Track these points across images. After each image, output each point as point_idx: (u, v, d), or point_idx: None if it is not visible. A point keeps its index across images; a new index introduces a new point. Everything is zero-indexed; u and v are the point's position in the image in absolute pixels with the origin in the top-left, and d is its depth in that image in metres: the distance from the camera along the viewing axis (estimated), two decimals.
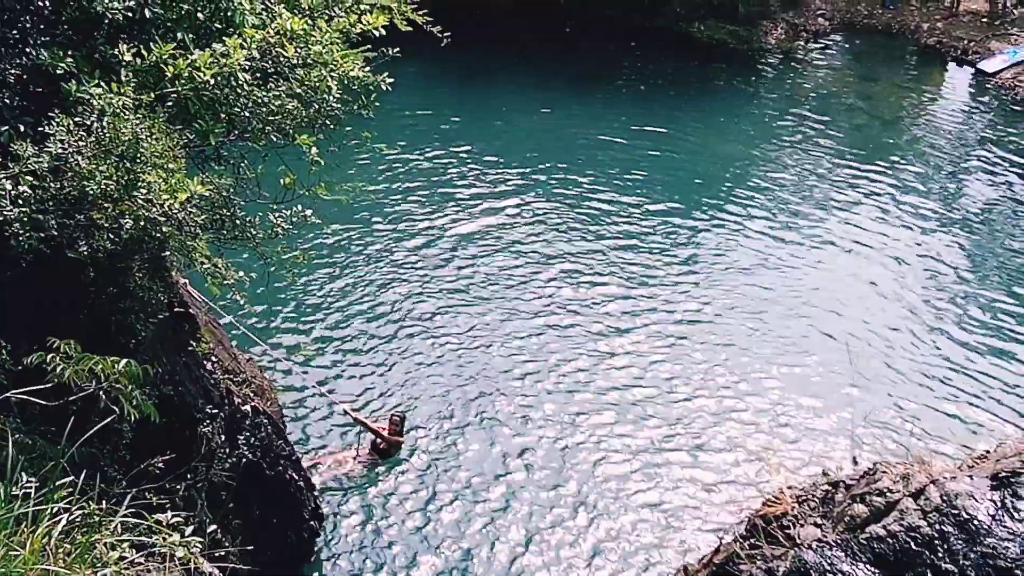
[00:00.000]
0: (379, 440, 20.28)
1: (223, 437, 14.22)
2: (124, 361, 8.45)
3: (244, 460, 14.68)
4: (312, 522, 18.00)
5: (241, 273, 12.44)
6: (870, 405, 22.62)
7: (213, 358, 15.19)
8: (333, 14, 12.23)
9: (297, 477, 17.52)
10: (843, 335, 25.35)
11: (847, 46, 50.53)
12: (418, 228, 29.54)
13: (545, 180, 33.25)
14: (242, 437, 14.78)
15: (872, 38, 50.88)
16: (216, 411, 14.16)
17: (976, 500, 10.42)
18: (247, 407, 15.87)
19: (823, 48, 49.83)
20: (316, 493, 18.46)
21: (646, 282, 27.55)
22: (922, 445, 20.68)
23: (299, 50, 11.27)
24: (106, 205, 9.56)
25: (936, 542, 10.19)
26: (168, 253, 10.77)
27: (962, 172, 36.80)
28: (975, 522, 10.20)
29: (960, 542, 10.09)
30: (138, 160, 9.48)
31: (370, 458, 20.37)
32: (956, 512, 10.35)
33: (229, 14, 11.26)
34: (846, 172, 35.72)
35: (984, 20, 50.82)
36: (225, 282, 12.13)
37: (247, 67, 10.65)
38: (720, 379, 23.67)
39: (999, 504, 10.31)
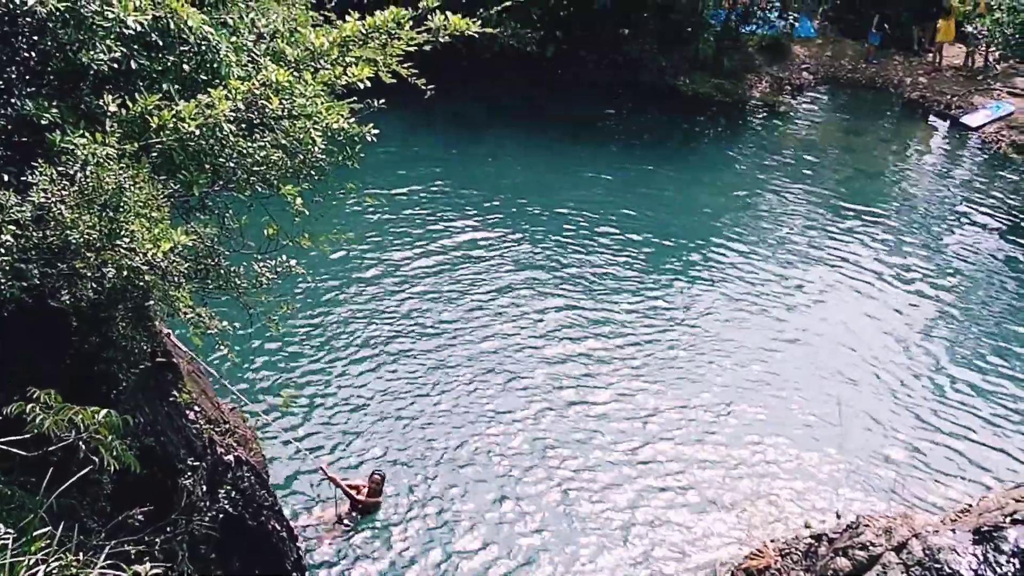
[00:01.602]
0: (356, 500, 20.22)
1: (205, 488, 14.13)
2: (104, 411, 8.41)
3: (226, 512, 14.57)
4: (295, 574, 17.86)
5: (225, 323, 12.43)
6: (854, 456, 22.64)
7: (196, 408, 15.12)
8: (318, 66, 12.31)
9: (280, 527, 17.40)
10: (830, 387, 25.39)
11: (831, 100, 50.86)
12: (403, 276, 29.56)
13: (528, 231, 33.32)
14: (224, 489, 14.69)
15: (856, 92, 51.21)
16: (198, 462, 14.07)
17: (958, 554, 10.41)
18: (230, 457, 15.77)
19: (807, 101, 50.15)
20: (299, 544, 18.34)
21: (627, 331, 27.57)
22: (905, 497, 20.73)
23: (284, 102, 11.31)
24: (89, 254, 9.57)
25: None
26: (152, 302, 10.77)
27: (945, 224, 36.94)
28: None
29: None
30: (121, 209, 9.50)
31: (349, 515, 20.28)
32: (939, 566, 10.35)
33: (215, 66, 11.31)
34: (830, 224, 35.84)
35: (966, 75, 51.22)
36: (209, 331, 12.11)
37: (232, 118, 10.69)
38: (701, 428, 23.64)
39: (981, 558, 10.29)
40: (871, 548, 10.89)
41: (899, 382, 26.14)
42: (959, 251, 34.60)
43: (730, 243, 33.87)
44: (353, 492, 20.22)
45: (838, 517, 12.85)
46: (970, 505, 11.85)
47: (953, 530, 10.76)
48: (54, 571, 6.90)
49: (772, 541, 11.92)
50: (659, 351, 26.87)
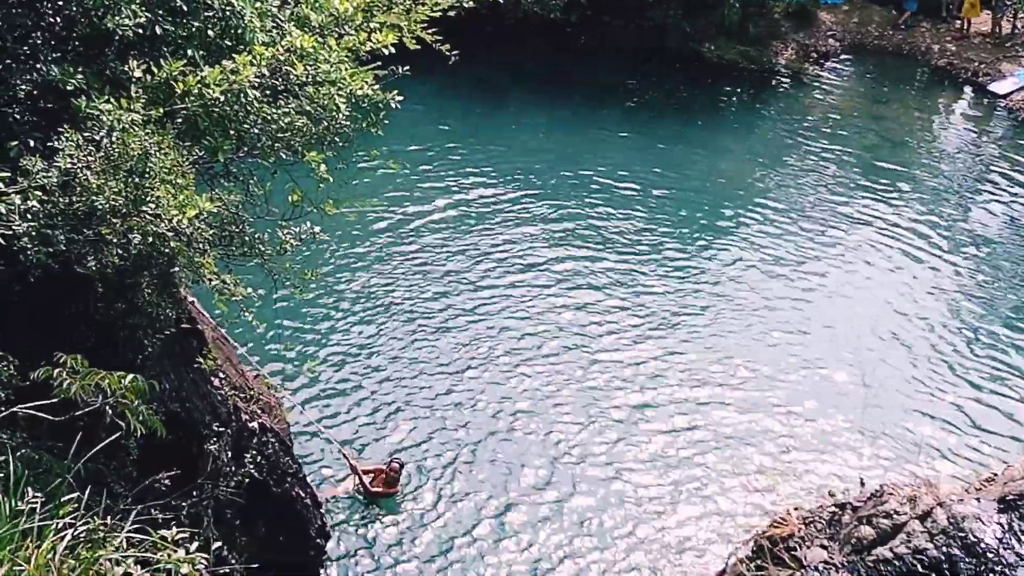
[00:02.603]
0: (372, 486, 20.17)
1: (230, 454, 14.20)
2: (130, 376, 8.44)
3: (251, 477, 14.64)
4: (318, 540, 17.95)
5: (249, 289, 12.45)
6: (879, 426, 22.57)
7: (220, 374, 15.18)
8: (342, 32, 12.27)
9: (304, 494, 17.48)
10: (854, 355, 25.32)
11: (857, 67, 50.38)
12: (425, 244, 29.53)
13: (554, 196, 33.22)
14: (248, 455, 14.74)
15: (882, 59, 50.73)
16: (223, 428, 14.14)
17: (983, 523, 10.38)
18: (254, 424, 15.84)
19: (833, 69, 49.73)
20: (322, 511, 18.43)
21: (655, 302, 27.49)
22: (930, 467, 20.65)
23: (308, 68, 11.30)
24: (115, 220, 9.58)
25: (943, 565, 10.15)
26: (177, 269, 10.79)
27: (973, 193, 36.67)
28: (982, 545, 10.15)
29: (967, 565, 10.04)
30: (147, 175, 9.51)
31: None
32: (963, 535, 10.31)
33: (239, 31, 11.30)
34: (855, 192, 35.61)
35: (994, 42, 50.69)
36: (233, 298, 12.13)
37: (256, 84, 10.69)
38: (728, 398, 23.62)
39: (1006, 527, 10.26)
40: (895, 516, 10.86)
41: (924, 350, 26.04)
42: (985, 218, 34.35)
43: (754, 210, 33.70)
44: (368, 479, 20.17)
45: (862, 485, 12.81)
46: (995, 474, 11.79)
47: (978, 499, 10.72)
48: (82, 535, 6.94)
49: (796, 509, 11.90)
50: (684, 318, 26.81)
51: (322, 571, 18.22)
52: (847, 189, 35.91)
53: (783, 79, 47.38)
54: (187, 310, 14.19)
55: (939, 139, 42.96)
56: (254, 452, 14.94)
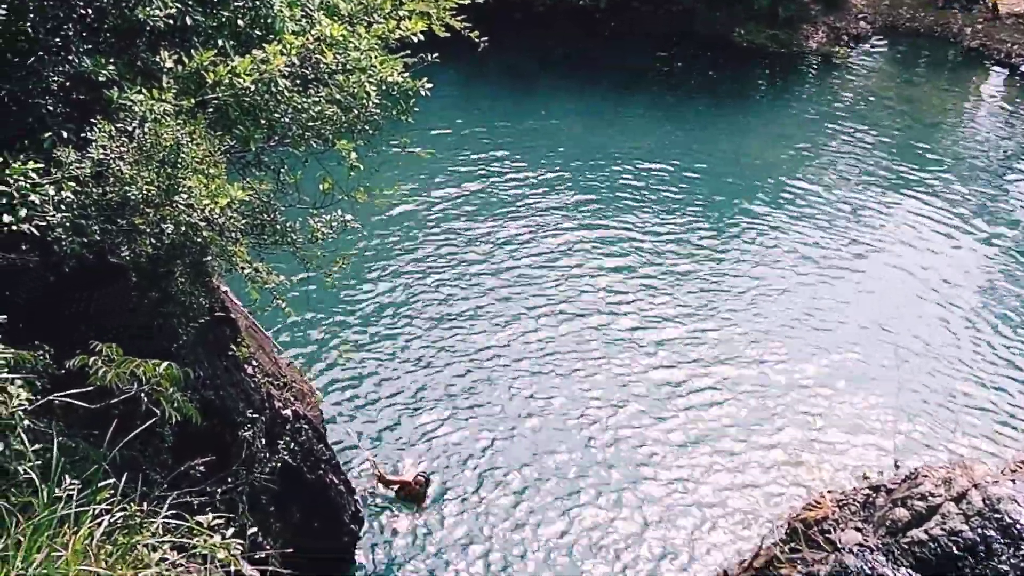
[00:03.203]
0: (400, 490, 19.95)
1: (264, 441, 14.29)
2: (165, 364, 8.52)
3: (284, 463, 14.74)
4: (352, 526, 18.05)
5: (282, 277, 12.53)
6: (913, 407, 22.50)
7: (254, 362, 15.28)
8: (372, 20, 12.32)
9: (337, 481, 17.59)
10: (888, 337, 25.22)
11: (889, 49, 50.09)
12: (456, 231, 29.58)
13: (583, 182, 33.23)
14: (282, 441, 14.84)
15: (914, 41, 50.43)
16: (257, 415, 14.23)
17: (1019, 504, 10.36)
18: (288, 411, 15.95)
19: (864, 51, 49.47)
20: (356, 497, 18.52)
21: (685, 284, 27.45)
22: (965, 449, 20.56)
23: (338, 56, 11.36)
24: (148, 210, 9.67)
25: (979, 547, 10.13)
26: (209, 258, 10.86)
27: (1005, 174, 36.45)
28: (1018, 526, 10.13)
29: (1003, 546, 10.03)
30: (179, 165, 9.59)
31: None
32: (999, 516, 10.29)
33: (269, 21, 11.35)
34: (886, 175, 35.45)
35: None
36: (265, 286, 12.22)
37: (287, 73, 10.76)
38: (760, 380, 23.56)
39: None
40: (930, 499, 10.85)
41: (959, 332, 25.92)
42: (1018, 201, 34.15)
43: (785, 192, 33.60)
44: (393, 491, 19.97)
45: (896, 467, 12.79)
46: None
47: (1013, 480, 10.70)
48: (118, 521, 7.01)
49: (829, 492, 11.90)
50: (716, 299, 26.78)
51: (356, 556, 18.29)
52: (878, 172, 35.74)
53: (813, 62, 47.19)
54: (220, 299, 14.28)
55: (971, 121, 42.70)
56: (287, 439, 15.04)
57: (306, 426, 16.44)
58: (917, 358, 24.57)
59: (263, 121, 11.10)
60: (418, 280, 27.00)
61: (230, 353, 13.86)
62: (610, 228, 30.46)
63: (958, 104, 44.60)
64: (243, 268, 11.67)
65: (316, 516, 16.69)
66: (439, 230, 29.65)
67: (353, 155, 12.15)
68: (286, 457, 14.77)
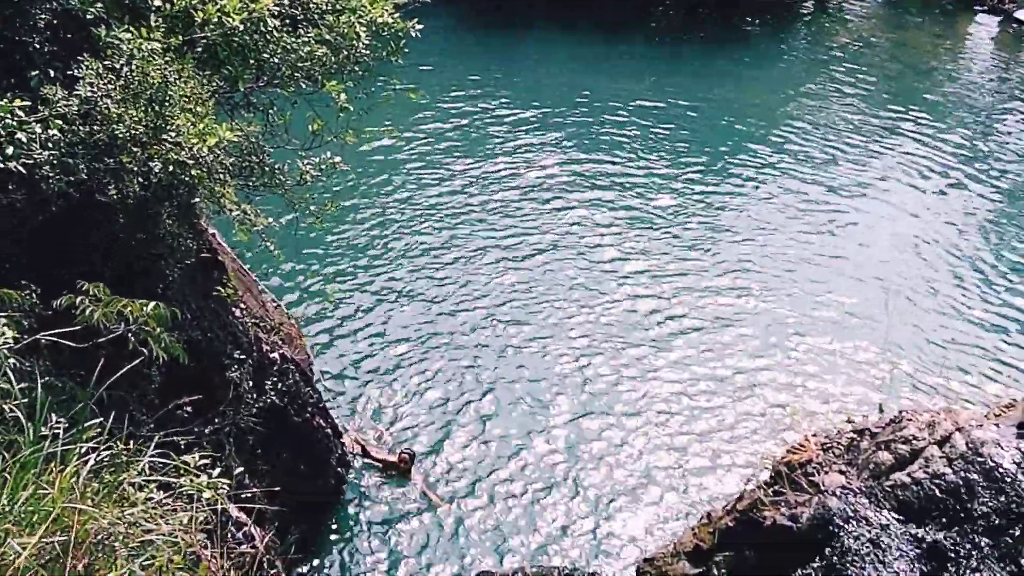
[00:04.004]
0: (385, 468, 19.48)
1: (251, 383, 14.30)
2: (152, 303, 8.48)
3: (271, 405, 14.75)
4: (339, 469, 18.12)
5: (270, 220, 12.47)
6: (898, 352, 22.60)
7: (241, 305, 15.26)
8: None
9: (324, 424, 17.63)
10: (875, 283, 25.29)
11: None
12: (444, 171, 29.56)
13: (575, 127, 33.18)
14: (269, 382, 14.86)
15: None
16: (244, 357, 14.23)
17: (1002, 448, 10.42)
18: (275, 354, 15.95)
19: None
20: (343, 440, 18.56)
21: (676, 233, 27.45)
22: (950, 393, 20.68)
23: None
24: (135, 149, 9.60)
25: (961, 489, 10.20)
26: (197, 200, 10.81)
27: (997, 120, 36.48)
28: (1000, 470, 10.19)
29: (985, 489, 10.09)
30: (167, 103, 9.51)
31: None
32: (982, 460, 10.35)
33: None
34: (879, 121, 35.44)
35: None
36: (254, 228, 12.16)
37: (276, 13, 10.67)
38: (747, 326, 23.63)
39: None
40: (914, 442, 10.90)
41: (947, 278, 26.01)
42: (1010, 145, 34.17)
43: (777, 138, 33.58)
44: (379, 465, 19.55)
45: (881, 411, 12.83)
46: (1014, 400, 11.79)
47: (997, 424, 10.75)
48: (105, 460, 7.01)
49: (814, 435, 11.94)
50: (706, 247, 26.80)
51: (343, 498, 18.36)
52: (871, 116, 35.74)
53: (806, 7, 47.00)
54: (207, 241, 14.24)
55: (963, 66, 42.65)
56: (274, 380, 15.05)
57: (293, 368, 16.45)
58: (905, 302, 24.64)
59: (252, 61, 11.02)
60: (406, 220, 26.99)
61: (217, 294, 13.82)
62: (599, 172, 30.41)
63: (951, 50, 44.53)
64: (231, 210, 11.59)
65: (303, 459, 16.74)
66: (428, 170, 29.62)
67: (343, 96, 12.07)
68: (273, 398, 14.79)
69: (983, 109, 37.65)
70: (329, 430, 17.80)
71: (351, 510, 18.28)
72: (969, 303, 24.97)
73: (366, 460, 19.38)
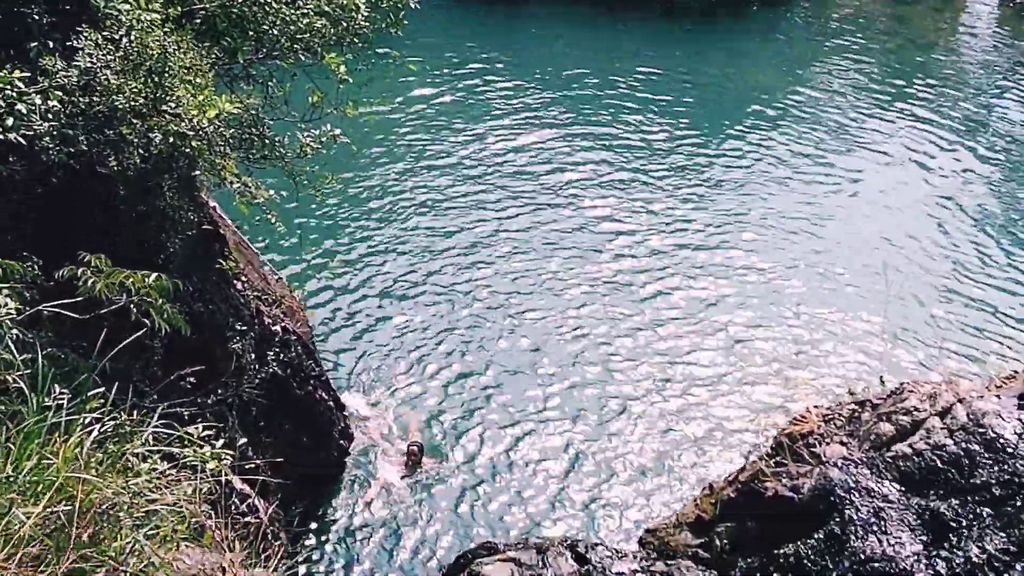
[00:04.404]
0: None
1: (253, 355, 14.32)
2: (154, 275, 8.46)
3: (274, 377, 14.76)
4: (342, 442, 18.14)
5: (271, 192, 12.46)
6: (899, 324, 22.58)
7: (243, 278, 15.27)
8: None
9: (327, 397, 17.65)
10: (876, 254, 25.26)
11: None
12: (444, 147, 29.53)
13: (572, 100, 33.14)
14: (271, 354, 14.87)
15: None
16: (246, 329, 14.24)
17: (1003, 419, 10.40)
18: (277, 327, 15.96)
19: None
20: (345, 413, 18.56)
21: (675, 205, 27.43)
22: (952, 364, 20.68)
23: None
24: (135, 121, 9.59)
25: (962, 460, 10.20)
26: (198, 172, 10.79)
27: (999, 96, 36.40)
28: (1002, 440, 10.18)
29: (986, 460, 10.09)
30: (166, 74, 9.49)
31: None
32: (983, 431, 10.34)
33: None
34: (879, 95, 35.38)
35: None
36: (255, 201, 12.14)
37: None
38: (748, 297, 23.61)
39: None
40: (915, 413, 10.89)
41: (948, 251, 25.97)
42: (1011, 120, 34.10)
43: (777, 112, 33.53)
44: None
45: (882, 383, 12.83)
46: (1016, 371, 11.78)
47: (998, 396, 10.74)
48: (108, 430, 7.01)
49: (816, 407, 11.93)
50: (705, 220, 26.75)
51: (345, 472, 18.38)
52: (871, 90, 35.69)
53: None
54: (208, 214, 14.23)
55: (964, 41, 42.56)
56: (277, 352, 15.06)
57: (295, 341, 16.46)
58: (906, 273, 24.60)
59: (251, 33, 11.01)
60: (406, 190, 27.01)
61: (218, 267, 13.81)
62: (596, 146, 30.41)
63: (951, 24, 44.43)
64: (232, 182, 11.58)
65: (305, 431, 16.76)
66: (427, 141, 29.67)
67: (342, 68, 12.04)
68: (276, 370, 14.80)
69: (983, 83, 37.58)
70: (331, 403, 17.82)
71: (354, 483, 18.28)
72: (971, 274, 24.95)
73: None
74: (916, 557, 9.51)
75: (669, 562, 10.95)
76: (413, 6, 12.36)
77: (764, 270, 24.69)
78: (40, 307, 8.16)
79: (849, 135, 32.29)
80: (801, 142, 31.46)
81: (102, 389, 7.39)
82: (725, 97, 34.58)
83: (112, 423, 7.15)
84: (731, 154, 30.52)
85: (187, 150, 9.87)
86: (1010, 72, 38.86)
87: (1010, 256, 25.82)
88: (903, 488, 10.32)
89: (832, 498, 10.39)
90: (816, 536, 10.19)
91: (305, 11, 11.43)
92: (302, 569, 16.04)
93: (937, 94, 35.72)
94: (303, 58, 12.08)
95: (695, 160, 29.90)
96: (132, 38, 9.44)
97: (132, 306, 8.36)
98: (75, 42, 9.52)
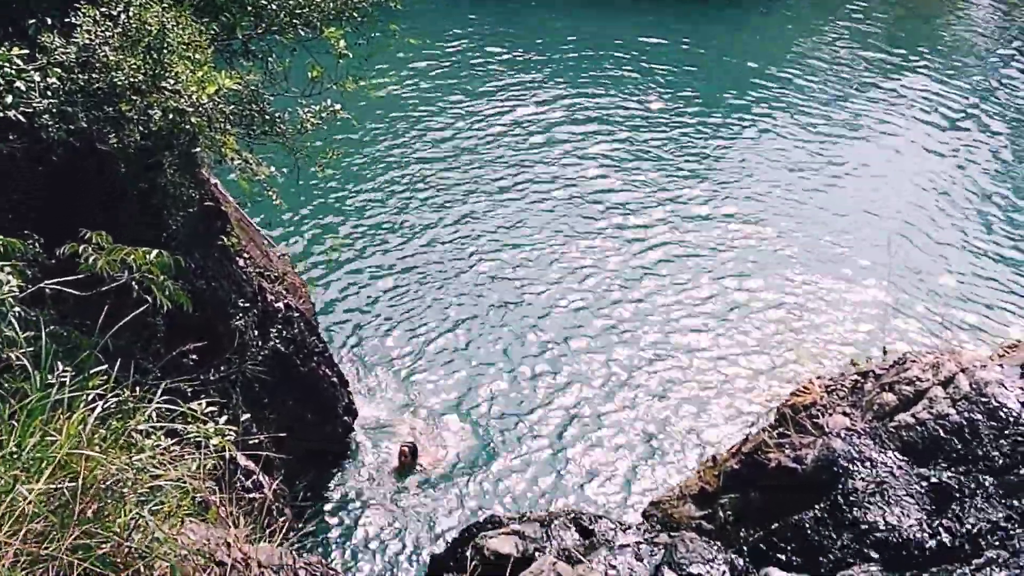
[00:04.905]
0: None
1: (255, 332, 14.32)
2: (156, 251, 8.44)
3: (276, 354, 14.76)
4: (346, 418, 18.15)
5: (272, 169, 12.44)
6: (902, 295, 22.55)
7: (245, 254, 15.26)
8: None
9: (330, 373, 17.65)
10: (878, 223, 25.22)
11: None
12: (445, 119, 29.48)
13: (573, 70, 33.11)
14: (274, 331, 14.87)
15: None
16: (248, 306, 14.24)
17: (1006, 388, 10.39)
18: (280, 304, 15.96)
19: None
20: (349, 390, 18.56)
21: (677, 175, 27.37)
22: (953, 336, 20.66)
23: None
24: (134, 97, 9.56)
25: (965, 430, 10.19)
26: (198, 149, 10.77)
27: (1003, 67, 36.24)
28: (1004, 410, 10.17)
29: (989, 429, 10.09)
30: (165, 50, 9.46)
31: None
32: (985, 400, 10.33)
33: None
34: (884, 66, 35.25)
35: None
36: (256, 178, 12.13)
37: None
38: (751, 270, 23.58)
39: None
40: (917, 383, 10.88)
41: (950, 222, 25.91)
42: (1012, 91, 33.99)
43: (781, 81, 33.45)
44: None
45: (884, 353, 12.82)
46: (1019, 341, 11.76)
47: (1001, 365, 10.73)
48: (111, 407, 7.00)
49: (818, 378, 11.93)
50: (707, 191, 26.72)
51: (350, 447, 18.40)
52: (874, 63, 35.54)
53: None
54: (209, 191, 14.21)
55: (968, 12, 42.31)
56: (279, 328, 15.06)
57: (297, 317, 16.46)
58: (908, 243, 24.55)
59: (250, 8, 10.98)
60: (407, 163, 27.03)
61: (220, 244, 13.81)
62: (597, 116, 30.35)
63: None
64: (233, 159, 11.56)
65: (309, 407, 16.77)
66: (428, 113, 29.70)
67: (342, 43, 12.00)
68: (279, 346, 14.81)
69: (986, 53, 37.44)
70: (335, 379, 17.83)
71: (359, 457, 18.30)
72: (973, 245, 24.92)
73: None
74: (919, 526, 9.52)
75: (673, 534, 10.96)
76: None
77: (766, 241, 24.65)
78: (42, 285, 8.16)
79: (851, 104, 32.20)
80: (803, 110, 31.37)
81: (105, 366, 7.39)
82: (727, 69, 34.46)
83: (115, 400, 7.14)
84: (733, 126, 30.44)
85: (187, 126, 9.84)
86: (1015, 43, 38.70)
87: (1013, 227, 25.77)
88: (906, 458, 10.32)
89: (835, 468, 10.40)
90: (819, 506, 10.19)
91: None
92: (307, 544, 16.08)
93: (941, 64, 35.58)
94: (302, 33, 12.06)
95: (697, 131, 29.83)
96: (131, 14, 9.42)
97: (134, 283, 8.35)
98: (73, 19, 9.49)
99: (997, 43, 38.67)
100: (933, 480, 10.02)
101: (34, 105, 8.66)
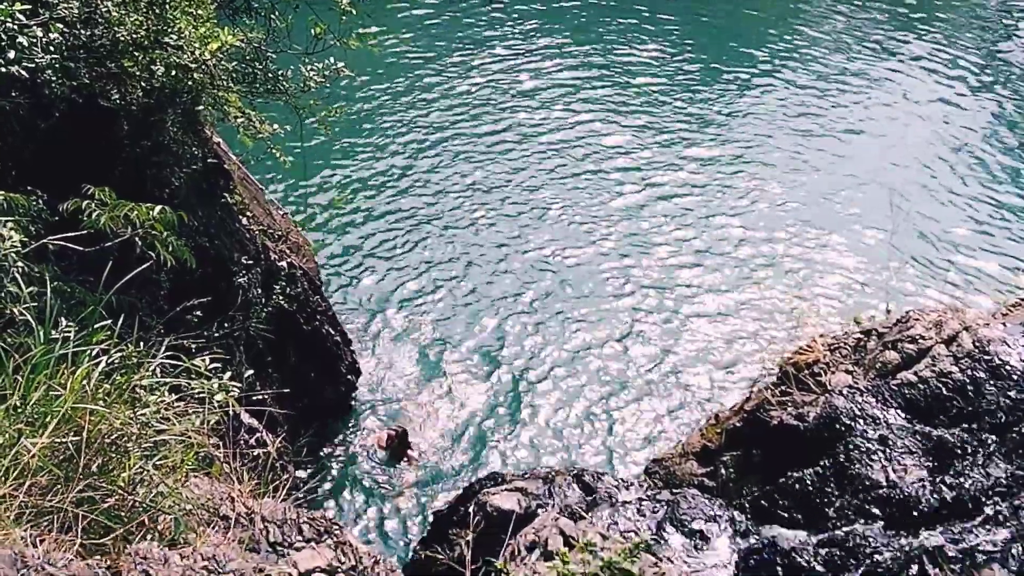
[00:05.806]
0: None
1: (259, 290, 14.33)
2: (159, 207, 8.44)
3: (280, 312, 14.77)
4: (349, 376, 18.19)
5: (275, 126, 12.42)
6: (905, 254, 22.54)
7: (248, 213, 15.23)
8: None
9: (334, 332, 17.68)
10: (880, 185, 25.17)
11: None
12: (449, 78, 29.41)
13: (581, 39, 32.97)
14: (277, 288, 14.88)
15: None
16: (251, 263, 14.24)
17: (1009, 346, 10.40)
18: (283, 263, 15.96)
19: None
20: (352, 348, 18.60)
21: (682, 133, 27.35)
22: (956, 294, 20.68)
23: None
24: (137, 53, 9.53)
25: (967, 387, 10.21)
26: (201, 107, 10.75)
27: (1002, 32, 36.13)
28: (1007, 367, 10.19)
29: (991, 387, 10.10)
30: (168, 5, 9.43)
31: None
32: (988, 358, 10.34)
33: None
34: (887, 29, 35.13)
35: None
36: (259, 135, 12.11)
37: None
38: (754, 228, 23.58)
39: None
40: (920, 341, 10.89)
41: (954, 181, 25.90)
42: (1014, 59, 33.88)
43: (786, 47, 33.31)
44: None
45: (888, 312, 12.84)
46: (1022, 299, 11.76)
47: (1004, 323, 10.74)
48: (115, 362, 7.01)
49: (821, 336, 11.93)
50: (711, 150, 26.73)
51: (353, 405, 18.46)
52: (878, 25, 35.41)
53: None
54: (212, 149, 14.17)
55: None
56: (283, 286, 15.07)
57: (301, 276, 16.47)
58: (911, 203, 24.51)
59: None
60: (410, 121, 26.98)
61: (223, 201, 13.79)
62: (600, 75, 30.30)
63: None
64: (236, 117, 11.54)
65: (312, 365, 16.81)
66: (432, 73, 29.56)
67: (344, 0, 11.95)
68: (282, 303, 14.81)
69: (990, 21, 37.27)
70: (338, 337, 17.86)
71: (363, 416, 18.37)
72: (976, 205, 24.88)
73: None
74: (921, 484, 9.54)
75: (675, 491, 10.99)
76: None
77: (770, 202, 24.63)
78: (45, 240, 8.16)
79: (856, 69, 32.09)
80: (808, 76, 31.30)
81: (109, 322, 7.40)
82: (730, 36, 34.30)
83: (119, 355, 7.16)
84: (736, 87, 30.38)
85: (190, 83, 9.83)
86: (1019, 8, 38.53)
87: (1015, 188, 25.72)
88: (908, 416, 10.34)
89: (837, 426, 10.41)
90: (821, 464, 10.21)
91: None
92: (311, 499, 16.16)
93: (946, 31, 35.44)
94: None
95: (703, 95, 29.76)
96: None
97: (137, 239, 8.35)
98: None
99: (1003, 7, 38.47)
100: (935, 438, 10.04)
101: (36, 61, 8.62)
